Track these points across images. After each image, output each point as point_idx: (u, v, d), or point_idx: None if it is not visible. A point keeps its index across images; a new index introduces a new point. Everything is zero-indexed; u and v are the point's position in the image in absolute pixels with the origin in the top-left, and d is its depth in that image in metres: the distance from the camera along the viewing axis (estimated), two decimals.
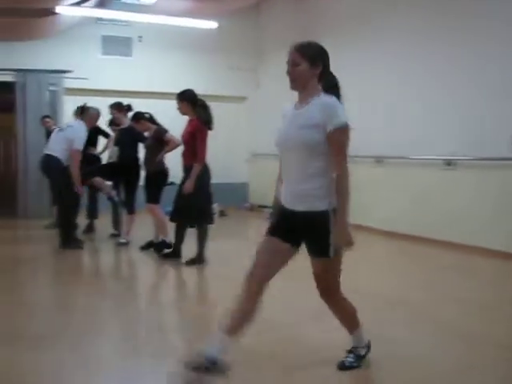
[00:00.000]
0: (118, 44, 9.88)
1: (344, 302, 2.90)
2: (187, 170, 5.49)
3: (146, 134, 6.41)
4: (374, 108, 7.69)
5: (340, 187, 2.58)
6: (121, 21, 9.52)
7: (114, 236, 7.16)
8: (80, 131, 6.42)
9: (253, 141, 10.91)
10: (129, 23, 9.59)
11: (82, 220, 7.48)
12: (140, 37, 9.92)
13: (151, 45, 9.91)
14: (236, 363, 2.67)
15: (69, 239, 6.38)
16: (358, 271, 5.39)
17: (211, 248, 5.79)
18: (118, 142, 6.74)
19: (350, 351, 2.99)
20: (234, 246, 7.08)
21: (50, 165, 6.39)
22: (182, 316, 4.21)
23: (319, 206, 2.62)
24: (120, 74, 9.71)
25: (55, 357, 3.16)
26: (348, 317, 2.95)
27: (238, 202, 10.80)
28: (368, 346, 3.02)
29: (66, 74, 9.28)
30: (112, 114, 6.94)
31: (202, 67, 10.28)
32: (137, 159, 6.63)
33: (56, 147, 6.39)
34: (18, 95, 9.16)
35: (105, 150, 7.74)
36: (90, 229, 7.61)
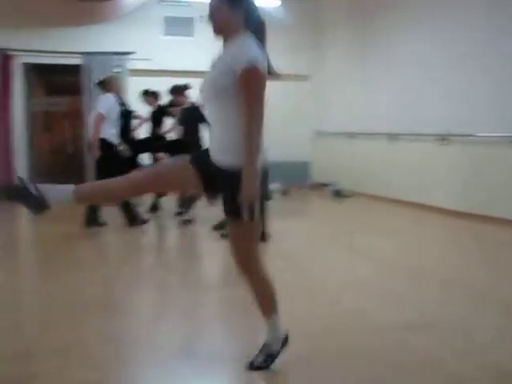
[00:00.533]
0: (179, 24, 9.97)
1: (262, 278, 2.57)
2: None
3: None
4: (435, 85, 7.43)
5: (247, 133, 2.28)
6: (183, 1, 9.59)
7: (180, 214, 7.27)
8: (103, 100, 6.37)
9: (316, 119, 10.82)
10: (190, 3, 9.64)
11: (148, 198, 7.67)
12: (202, 16, 9.94)
13: None
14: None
15: (132, 217, 6.55)
16: (419, 249, 5.33)
17: (273, 226, 5.81)
18: (181, 122, 6.89)
19: (261, 350, 2.65)
20: (295, 224, 7.08)
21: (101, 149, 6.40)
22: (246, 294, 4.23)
23: (237, 161, 2.32)
24: (182, 55, 9.80)
25: (121, 330, 3.25)
26: (265, 297, 2.60)
27: (300, 180, 10.73)
28: (284, 341, 2.66)
29: (130, 56, 9.47)
30: (174, 98, 7.13)
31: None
32: (199, 138, 6.71)
33: None
34: (84, 77, 9.44)
35: (171, 130, 7.83)
36: (155, 207, 7.76)
